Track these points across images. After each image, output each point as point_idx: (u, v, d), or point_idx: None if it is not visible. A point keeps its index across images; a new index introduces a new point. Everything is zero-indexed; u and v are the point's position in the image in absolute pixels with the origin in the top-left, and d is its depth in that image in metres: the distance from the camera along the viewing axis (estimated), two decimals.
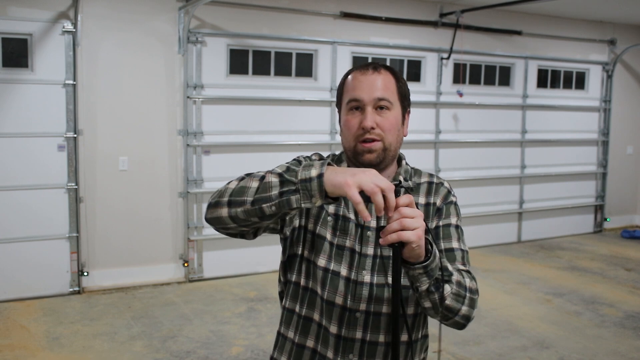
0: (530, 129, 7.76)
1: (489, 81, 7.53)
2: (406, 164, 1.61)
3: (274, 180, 1.29)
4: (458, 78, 7.14)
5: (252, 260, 6.04)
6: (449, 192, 1.61)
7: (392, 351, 1.37)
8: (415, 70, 7.01)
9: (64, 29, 5.20)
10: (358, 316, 1.49)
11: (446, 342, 4.38)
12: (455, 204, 1.62)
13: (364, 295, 1.48)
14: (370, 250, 1.49)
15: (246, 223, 1.36)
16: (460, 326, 1.49)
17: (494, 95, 7.51)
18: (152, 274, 5.75)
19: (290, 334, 1.55)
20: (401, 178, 1.54)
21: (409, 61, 6.95)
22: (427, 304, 1.41)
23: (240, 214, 1.34)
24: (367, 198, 1.22)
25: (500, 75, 7.60)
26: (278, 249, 1.66)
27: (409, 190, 1.52)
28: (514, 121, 7.68)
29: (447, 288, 1.40)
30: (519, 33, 7.52)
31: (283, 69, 6.25)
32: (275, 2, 6.03)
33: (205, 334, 4.55)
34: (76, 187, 5.38)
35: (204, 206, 5.90)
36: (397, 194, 1.26)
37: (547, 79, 7.99)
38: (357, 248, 1.50)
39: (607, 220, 8.60)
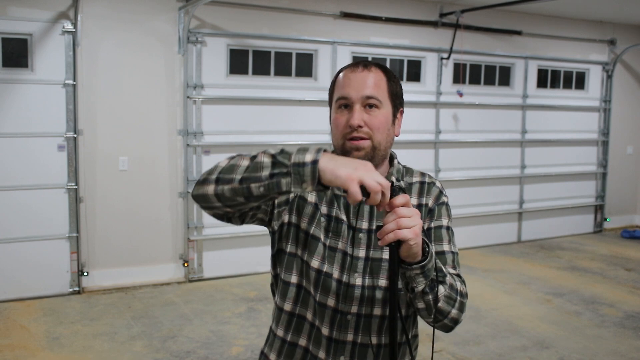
0: (530, 129, 7.76)
1: (489, 81, 7.53)
2: (398, 162, 1.60)
3: (266, 160, 1.25)
4: (458, 78, 7.14)
5: (252, 260, 6.04)
6: (440, 193, 1.60)
7: (390, 351, 1.38)
8: (415, 70, 7.01)
9: (64, 29, 5.20)
10: (349, 318, 1.48)
11: (446, 342, 4.38)
12: (447, 204, 1.60)
13: (355, 297, 1.47)
14: (362, 253, 1.49)
15: (232, 203, 1.32)
16: (448, 329, 1.49)
17: (494, 95, 7.51)
18: (152, 274, 5.75)
19: (280, 332, 1.55)
20: (393, 178, 1.53)
21: (409, 61, 6.95)
22: (421, 305, 1.41)
23: (226, 191, 1.30)
24: (363, 194, 1.21)
25: (500, 75, 7.60)
26: None
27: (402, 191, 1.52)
28: (514, 121, 7.68)
29: (442, 289, 1.41)
30: (519, 33, 7.52)
31: (283, 69, 6.25)
32: (275, 2, 6.03)
33: (205, 334, 4.55)
34: (76, 187, 5.38)
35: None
36: (393, 193, 1.25)
37: (547, 79, 7.99)
38: (349, 250, 1.49)
39: (607, 220, 8.60)
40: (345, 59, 6.40)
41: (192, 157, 5.83)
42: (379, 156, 1.49)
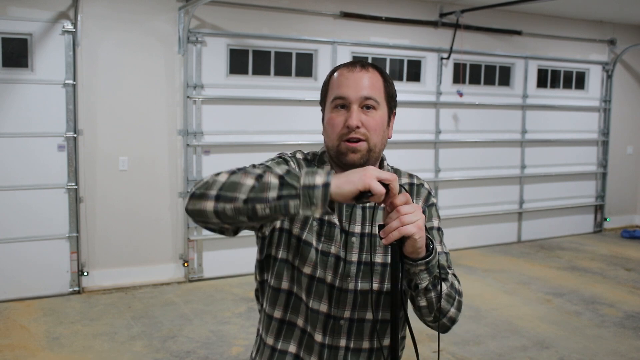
0: (530, 129, 7.76)
1: (489, 81, 7.53)
2: (387, 164, 1.59)
3: (274, 181, 1.19)
4: (458, 78, 7.14)
5: (252, 260, 5.95)
6: (429, 194, 1.59)
7: (392, 352, 1.38)
8: (415, 70, 7.01)
9: (64, 29, 5.20)
10: (342, 324, 1.47)
11: (446, 342, 4.38)
12: (436, 205, 1.60)
13: (348, 302, 1.47)
14: (355, 257, 1.47)
15: (232, 221, 1.25)
16: (446, 329, 1.49)
17: (494, 95, 7.51)
18: (152, 274, 5.75)
19: (270, 340, 1.51)
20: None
21: (409, 61, 6.95)
22: (423, 303, 1.41)
23: (228, 210, 1.23)
24: (359, 198, 1.19)
25: (500, 75, 7.59)
26: None
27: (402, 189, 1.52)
28: (514, 121, 7.68)
29: (444, 286, 1.42)
30: (519, 33, 7.52)
31: (283, 69, 6.25)
32: (275, 2, 6.03)
33: (205, 334, 4.55)
34: (76, 187, 5.37)
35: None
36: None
37: (547, 79, 7.98)
38: (342, 255, 1.47)
39: (607, 220, 8.60)
40: (345, 59, 6.39)
41: (192, 157, 5.83)
42: (373, 158, 1.48)
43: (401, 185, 1.30)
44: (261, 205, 1.20)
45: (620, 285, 5.93)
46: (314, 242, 1.46)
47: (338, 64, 1.57)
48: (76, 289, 5.41)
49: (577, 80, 8.24)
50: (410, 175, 1.61)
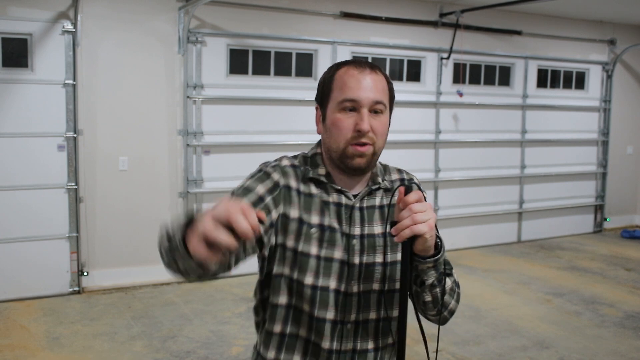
0: (530, 129, 7.76)
1: (489, 81, 7.53)
2: (377, 162, 1.58)
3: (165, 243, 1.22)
4: (458, 78, 7.14)
5: (252, 260, 6.02)
6: (419, 188, 1.59)
7: (398, 350, 1.38)
8: (415, 70, 7.01)
9: (64, 29, 5.20)
10: (349, 327, 1.47)
11: (446, 342, 4.38)
12: (426, 199, 1.62)
13: (353, 305, 1.47)
14: (357, 259, 1.47)
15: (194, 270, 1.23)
16: (445, 321, 1.51)
17: (493, 95, 7.51)
18: (152, 274, 5.74)
19: (271, 354, 1.49)
20: (380, 179, 1.52)
21: (409, 61, 6.95)
22: (428, 298, 1.43)
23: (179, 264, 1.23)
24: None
25: (500, 75, 7.59)
26: None
27: (385, 190, 1.53)
28: (514, 121, 7.68)
29: (448, 282, 1.44)
30: (519, 33, 7.52)
31: (283, 69, 6.25)
32: (275, 2, 6.03)
33: (205, 334, 4.55)
34: (76, 187, 5.38)
35: (204, 206, 5.91)
36: (408, 190, 1.29)
37: (547, 79, 7.99)
38: (346, 258, 1.46)
39: (607, 220, 8.60)
40: (345, 59, 6.38)
41: (192, 157, 5.83)
42: (374, 162, 1.48)
43: (414, 183, 1.32)
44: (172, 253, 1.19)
45: (620, 285, 5.93)
46: (315, 250, 1.44)
47: (338, 62, 1.53)
48: (76, 289, 5.41)
49: (577, 80, 8.24)
50: (399, 171, 1.60)
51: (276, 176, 1.45)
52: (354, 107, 1.42)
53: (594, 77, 8.28)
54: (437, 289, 1.41)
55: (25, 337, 4.43)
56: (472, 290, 5.60)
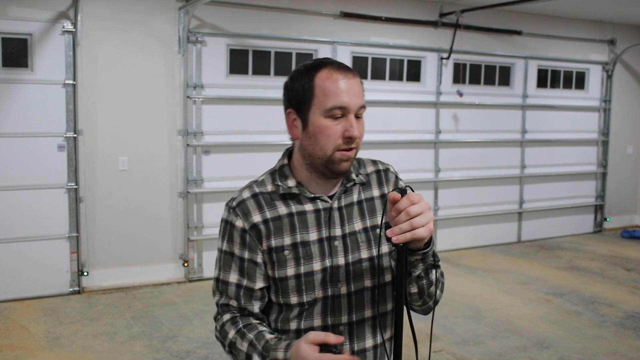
0: (530, 129, 7.76)
1: (489, 81, 7.53)
2: None
3: None
4: (458, 78, 7.14)
5: None
6: (397, 177, 1.60)
7: (395, 348, 1.38)
8: (415, 70, 7.01)
9: (64, 29, 5.20)
10: (342, 329, 1.47)
11: (446, 342, 4.38)
12: (406, 190, 1.62)
13: (343, 307, 1.47)
14: (341, 260, 1.46)
15: None
16: (429, 310, 1.51)
17: (493, 95, 7.51)
18: (152, 274, 5.75)
19: None
20: (353, 176, 1.52)
21: (409, 61, 6.95)
22: (414, 290, 1.43)
23: None
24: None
25: (500, 75, 7.59)
26: None
27: (361, 185, 1.53)
28: (514, 121, 7.68)
29: (434, 274, 1.43)
30: (519, 33, 7.52)
31: (283, 69, 6.25)
32: (275, 2, 6.03)
33: (205, 334, 4.55)
34: (76, 187, 5.38)
35: (204, 206, 5.92)
36: (404, 193, 1.27)
37: (547, 79, 7.98)
38: (328, 263, 1.46)
39: (607, 220, 8.60)
40: (345, 59, 6.40)
41: (192, 157, 5.83)
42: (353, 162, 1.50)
43: (407, 187, 1.31)
44: None
45: (620, 285, 5.93)
46: (292, 271, 1.45)
47: (307, 64, 1.46)
48: (76, 289, 5.41)
49: (577, 80, 8.24)
50: (374, 162, 1.60)
51: (239, 223, 1.47)
52: (343, 114, 1.40)
53: (594, 77, 8.28)
54: (424, 281, 1.41)
55: (25, 337, 4.43)
56: (472, 290, 5.60)
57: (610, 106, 8.36)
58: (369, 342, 1.49)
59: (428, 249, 1.35)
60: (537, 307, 5.27)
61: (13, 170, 5.17)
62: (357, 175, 1.53)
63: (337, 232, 1.47)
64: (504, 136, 7.59)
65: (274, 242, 1.45)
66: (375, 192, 1.55)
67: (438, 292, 1.47)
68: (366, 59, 6.66)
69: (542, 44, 7.73)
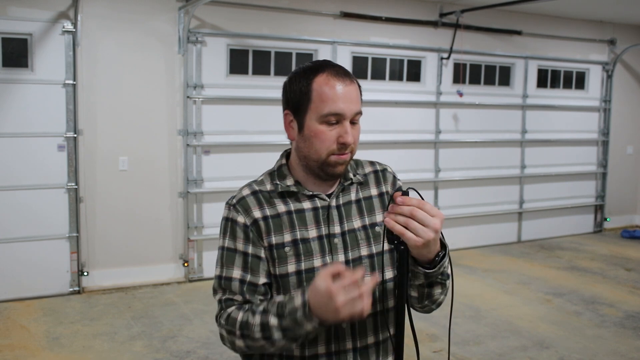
0: (530, 129, 7.76)
1: (489, 81, 7.53)
2: None
3: (277, 335, 1.35)
4: (458, 78, 7.14)
5: None
6: (394, 177, 1.61)
7: (396, 347, 1.38)
8: (415, 70, 7.01)
9: (64, 29, 5.20)
10: (345, 327, 1.46)
11: (446, 342, 4.38)
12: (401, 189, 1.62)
13: None
14: (341, 257, 1.47)
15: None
16: (430, 311, 1.51)
17: (494, 95, 7.51)
18: (152, 274, 5.75)
19: None
20: (351, 175, 1.53)
21: (409, 61, 6.95)
22: (414, 294, 1.43)
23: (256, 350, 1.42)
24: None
25: (500, 75, 7.59)
26: None
27: (359, 184, 1.54)
28: (514, 121, 7.68)
29: (437, 289, 1.43)
30: (519, 33, 7.52)
31: (283, 69, 6.25)
32: (275, 2, 6.03)
33: (205, 334, 4.55)
34: (76, 187, 5.38)
35: (204, 206, 5.92)
36: (405, 194, 1.29)
37: (547, 79, 7.98)
38: (328, 260, 1.46)
39: (607, 220, 8.60)
40: (345, 59, 6.40)
41: (192, 157, 5.83)
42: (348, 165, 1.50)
43: (412, 189, 1.31)
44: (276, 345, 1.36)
45: (620, 285, 5.93)
46: (293, 268, 1.44)
47: (306, 66, 1.47)
48: (76, 289, 5.41)
49: (577, 80, 8.24)
50: (372, 163, 1.61)
51: (241, 219, 1.46)
52: (337, 120, 1.41)
53: (594, 77, 8.28)
54: (425, 289, 1.41)
55: (25, 337, 4.43)
56: (472, 290, 5.60)
57: (610, 106, 8.36)
58: (371, 339, 1.49)
59: (432, 271, 1.34)
60: (537, 307, 5.27)
61: (13, 170, 5.17)
62: (354, 175, 1.54)
63: (337, 229, 1.47)
64: (504, 136, 7.59)
65: (274, 239, 1.45)
66: (374, 191, 1.56)
67: (442, 296, 1.47)
68: (366, 59, 6.66)
69: (542, 44, 7.73)
